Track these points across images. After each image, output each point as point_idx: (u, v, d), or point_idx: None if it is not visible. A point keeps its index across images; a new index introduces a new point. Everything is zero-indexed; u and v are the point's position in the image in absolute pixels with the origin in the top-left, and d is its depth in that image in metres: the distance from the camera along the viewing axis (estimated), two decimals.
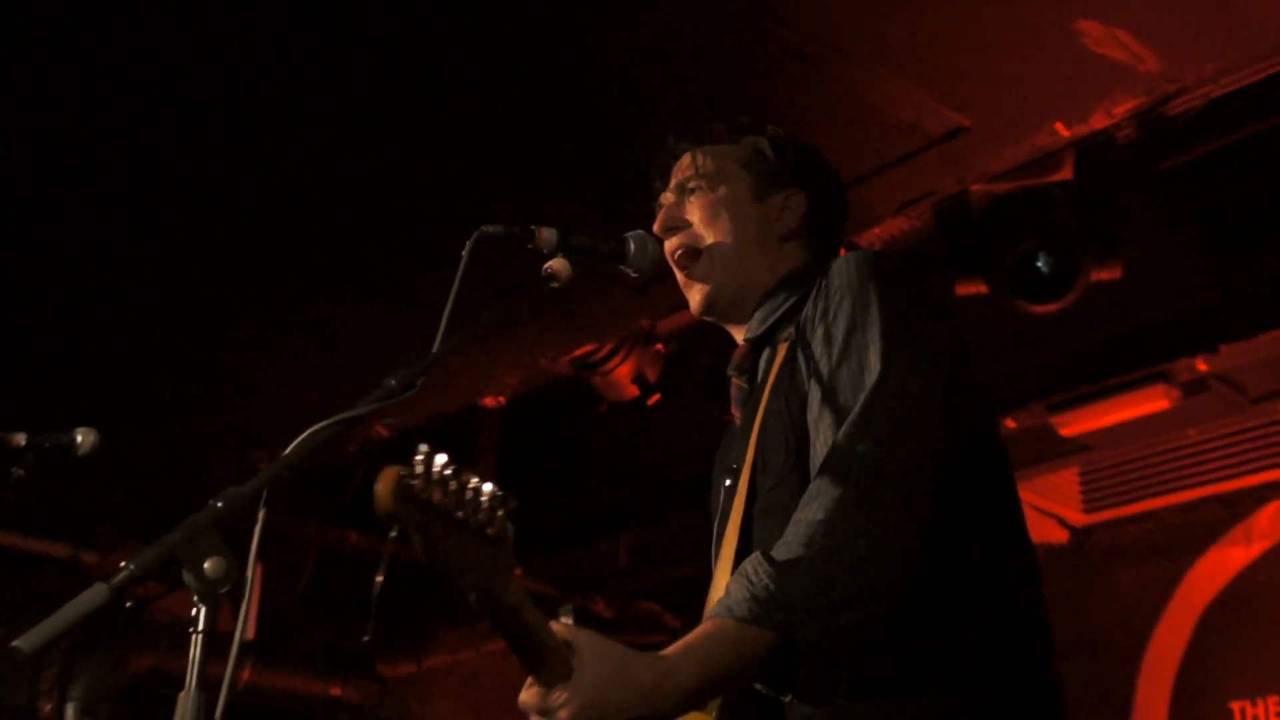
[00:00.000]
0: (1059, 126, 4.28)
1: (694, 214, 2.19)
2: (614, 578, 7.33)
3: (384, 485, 1.37)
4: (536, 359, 5.87)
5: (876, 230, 4.97)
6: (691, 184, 2.21)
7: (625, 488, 6.70)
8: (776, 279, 2.14)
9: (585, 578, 7.36)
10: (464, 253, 1.94)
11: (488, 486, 1.45)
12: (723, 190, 2.18)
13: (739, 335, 2.20)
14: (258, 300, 5.30)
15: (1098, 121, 4.24)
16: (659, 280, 2.21)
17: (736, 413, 2.12)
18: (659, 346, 5.97)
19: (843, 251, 2.08)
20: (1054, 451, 5.86)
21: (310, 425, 1.62)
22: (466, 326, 1.86)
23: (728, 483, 2.03)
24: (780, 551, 1.66)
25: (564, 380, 6.12)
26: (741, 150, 2.22)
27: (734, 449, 2.06)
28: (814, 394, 1.85)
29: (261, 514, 1.55)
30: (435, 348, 1.80)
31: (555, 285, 1.98)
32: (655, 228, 2.20)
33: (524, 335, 5.56)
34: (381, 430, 6.37)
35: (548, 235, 2.02)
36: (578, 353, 5.85)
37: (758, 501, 1.92)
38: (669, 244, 2.20)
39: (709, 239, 2.17)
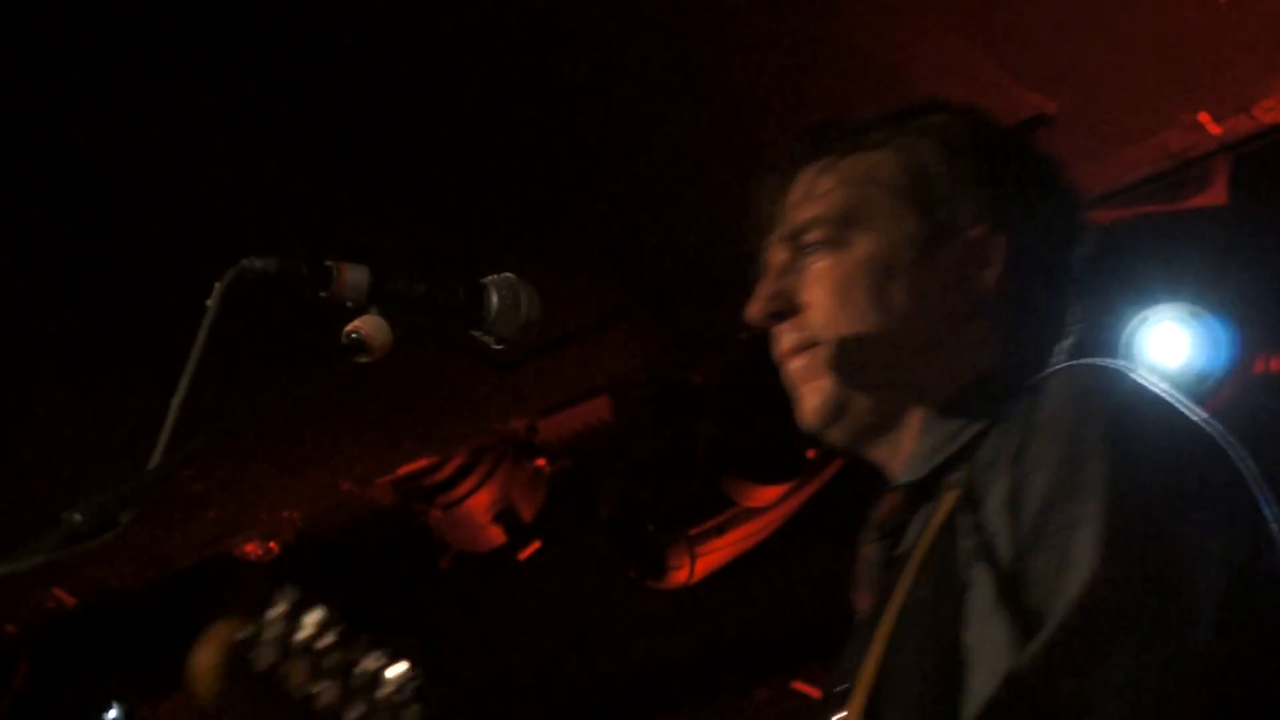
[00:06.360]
0: (1204, 118, 4.38)
1: (814, 290, 2.15)
2: None
3: (208, 654, 1.37)
4: (335, 479, 5.85)
5: None
6: (810, 236, 2.17)
7: (479, 699, 6.65)
8: (958, 382, 2.11)
9: None
10: (210, 301, 1.94)
11: (400, 667, 1.51)
12: (862, 246, 2.14)
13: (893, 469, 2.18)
14: None
15: (1266, 112, 4.33)
16: (538, 354, 2.22)
17: (863, 598, 2.13)
18: (539, 463, 5.95)
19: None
20: None
21: None
22: (212, 425, 1.83)
23: (837, 717, 1.97)
24: None
25: (381, 515, 6.09)
26: (892, 162, 2.19)
27: (851, 656, 2.04)
28: (981, 590, 1.84)
29: None
30: (154, 459, 1.77)
31: (364, 359, 2.01)
32: (750, 312, 2.17)
33: (314, 440, 5.55)
34: (63, 595, 6.28)
35: (354, 278, 2.08)
36: (404, 470, 5.84)
37: None
38: (777, 344, 2.16)
39: (837, 334, 2.11)
